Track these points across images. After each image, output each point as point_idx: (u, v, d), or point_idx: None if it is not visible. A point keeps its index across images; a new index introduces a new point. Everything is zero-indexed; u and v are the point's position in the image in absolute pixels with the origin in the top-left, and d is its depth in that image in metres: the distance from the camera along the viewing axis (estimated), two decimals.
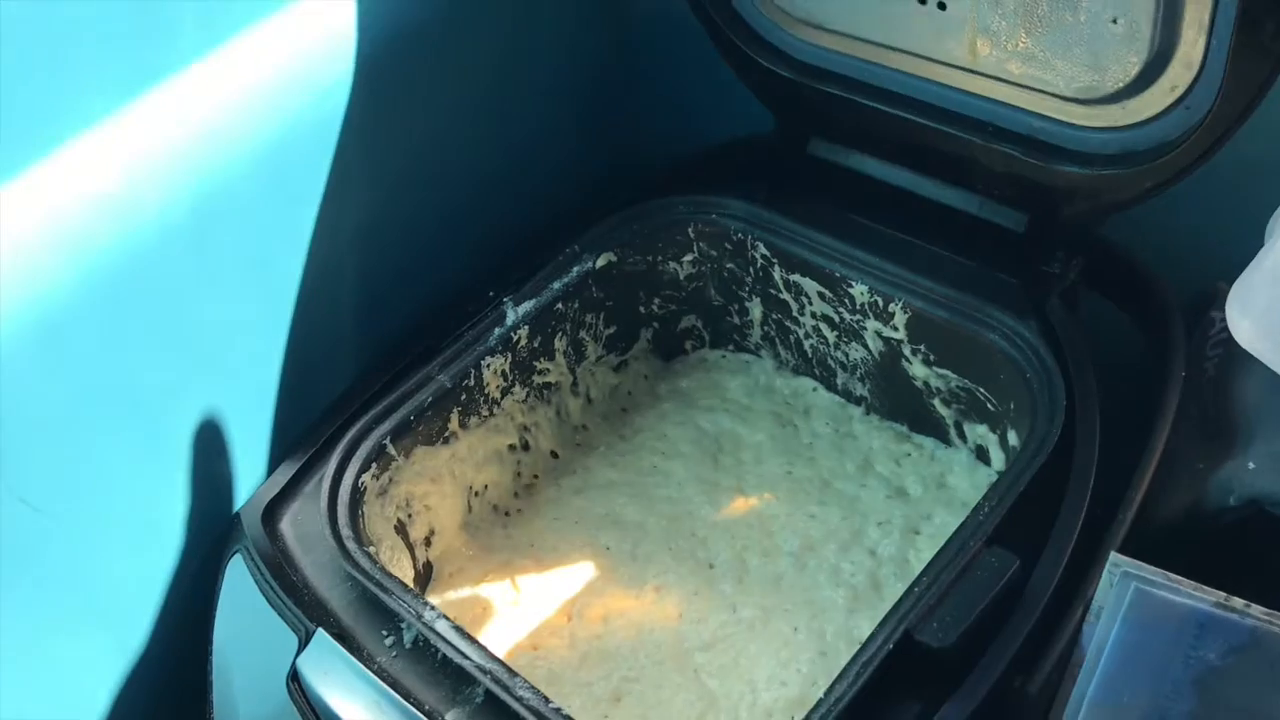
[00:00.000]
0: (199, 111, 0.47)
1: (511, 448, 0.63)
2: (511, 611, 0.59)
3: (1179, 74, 0.49)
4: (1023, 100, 0.54)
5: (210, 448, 0.54)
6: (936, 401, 0.60)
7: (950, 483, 0.60)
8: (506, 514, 0.63)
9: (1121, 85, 0.50)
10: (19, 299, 0.43)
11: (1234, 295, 0.48)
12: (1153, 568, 0.45)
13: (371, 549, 0.52)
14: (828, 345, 0.64)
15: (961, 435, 0.61)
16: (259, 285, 0.53)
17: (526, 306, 0.60)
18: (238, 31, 0.48)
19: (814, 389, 0.67)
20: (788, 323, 0.65)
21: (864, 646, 0.45)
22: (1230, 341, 0.56)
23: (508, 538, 0.62)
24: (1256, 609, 0.44)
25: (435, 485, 0.59)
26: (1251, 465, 0.50)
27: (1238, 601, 0.44)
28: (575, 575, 0.60)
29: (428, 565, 0.60)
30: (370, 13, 0.52)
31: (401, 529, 0.58)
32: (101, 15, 0.43)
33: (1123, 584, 0.44)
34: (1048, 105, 0.53)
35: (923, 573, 0.47)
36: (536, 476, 0.64)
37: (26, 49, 0.40)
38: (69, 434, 0.47)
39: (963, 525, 0.48)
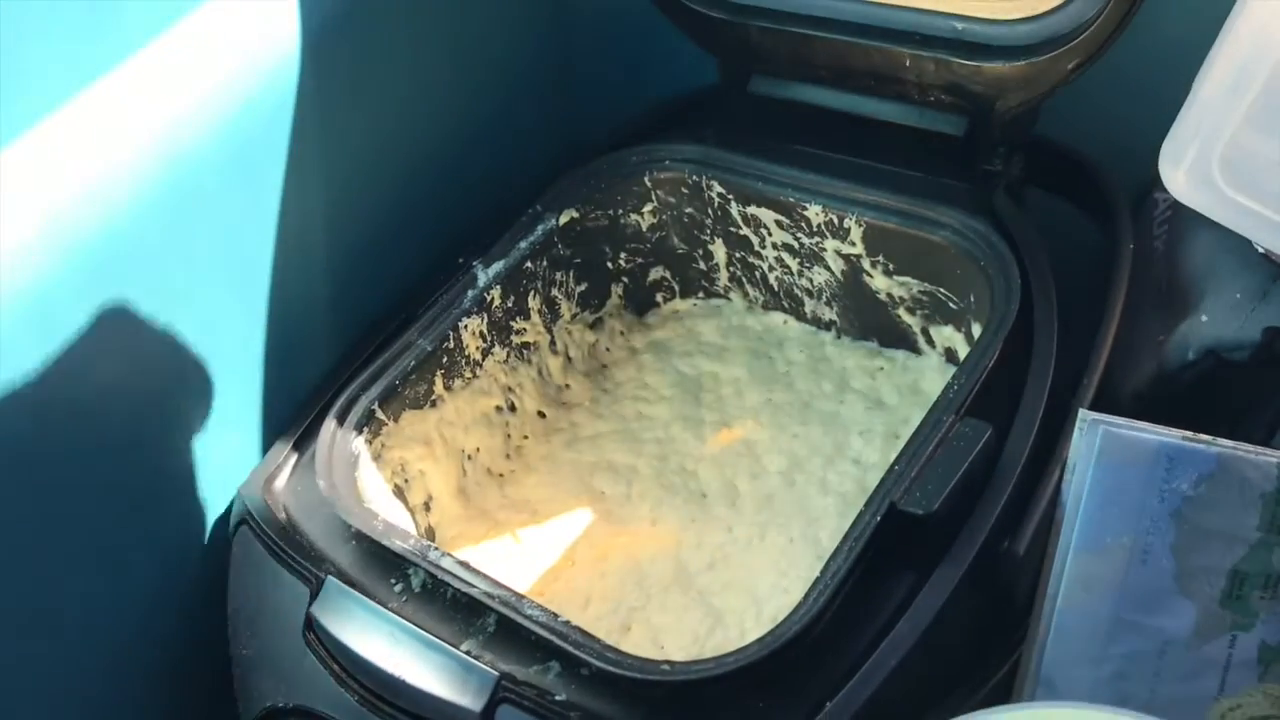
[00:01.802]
0: (157, 95, 0.49)
1: (499, 409, 0.64)
2: (515, 564, 0.60)
3: None
4: (944, 4, 0.56)
5: (204, 429, 0.55)
6: (901, 311, 0.62)
7: (924, 387, 0.62)
8: (501, 476, 0.65)
9: None
10: (10, 285, 0.45)
11: (1164, 152, 0.50)
12: (1119, 417, 0.47)
13: (372, 505, 0.54)
14: (792, 275, 0.66)
15: (930, 341, 0.62)
16: (234, 268, 0.55)
17: (496, 267, 0.62)
18: (183, 14, 0.50)
19: (785, 321, 0.68)
20: (751, 258, 0.67)
21: (853, 524, 0.47)
22: (1174, 217, 0.59)
23: (504, 497, 0.63)
24: (1221, 440, 0.45)
25: (427, 449, 0.61)
26: (1204, 318, 0.52)
27: (1203, 436, 0.46)
28: (573, 522, 0.62)
29: (429, 531, 0.61)
30: None
31: (400, 494, 0.59)
32: (50, 5, 0.44)
33: (1091, 431, 0.46)
34: (968, 5, 0.56)
35: (902, 451, 0.48)
36: (526, 437, 0.66)
37: None
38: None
39: (935, 404, 0.50)
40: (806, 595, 0.45)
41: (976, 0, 0.55)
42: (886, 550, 0.46)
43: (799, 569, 0.56)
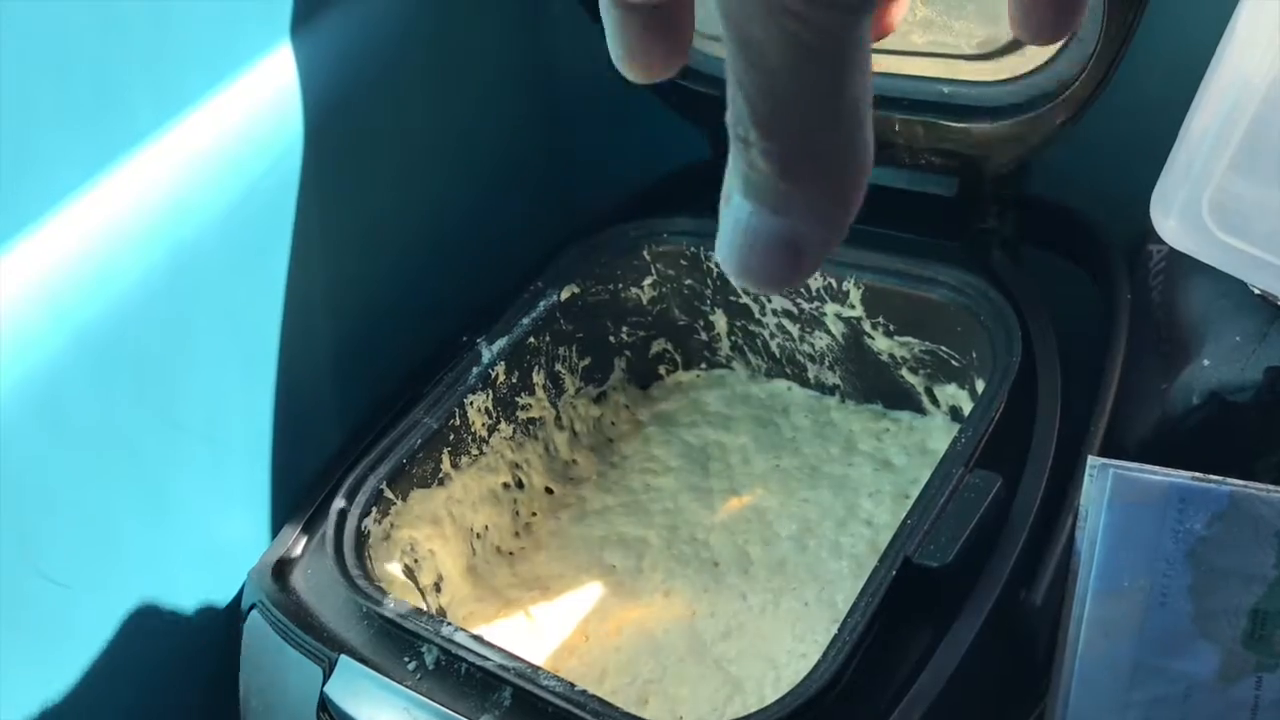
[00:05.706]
0: (163, 182, 0.50)
1: (506, 486, 0.64)
2: (528, 641, 0.59)
3: None
4: (931, 69, 0.57)
5: (212, 512, 0.55)
6: (904, 371, 0.63)
7: (931, 447, 0.62)
8: (510, 553, 0.64)
9: None
10: (18, 371, 0.45)
11: (1155, 199, 0.51)
12: (1128, 462, 0.47)
13: (383, 585, 0.53)
14: (793, 340, 0.66)
15: (934, 401, 0.63)
16: (238, 349, 0.55)
17: (500, 344, 0.63)
18: (192, 104, 0.51)
19: (788, 388, 0.69)
20: (752, 326, 0.67)
21: (869, 580, 0.46)
22: (1169, 266, 0.59)
23: (514, 575, 0.63)
24: (1231, 479, 0.45)
25: (436, 528, 0.60)
26: (1207, 363, 0.53)
27: (1213, 476, 0.46)
28: (585, 597, 0.61)
29: (441, 611, 0.60)
30: (315, 80, 0.56)
31: (410, 574, 0.59)
32: (61, 98, 0.46)
33: (1101, 476, 0.46)
34: (954, 69, 0.57)
35: (913, 506, 0.48)
36: (534, 514, 0.66)
37: None
38: (79, 507, 0.49)
39: (944, 458, 0.50)
40: (826, 653, 0.45)
41: (961, 64, 0.56)
42: (904, 605, 0.46)
43: (816, 633, 0.55)
